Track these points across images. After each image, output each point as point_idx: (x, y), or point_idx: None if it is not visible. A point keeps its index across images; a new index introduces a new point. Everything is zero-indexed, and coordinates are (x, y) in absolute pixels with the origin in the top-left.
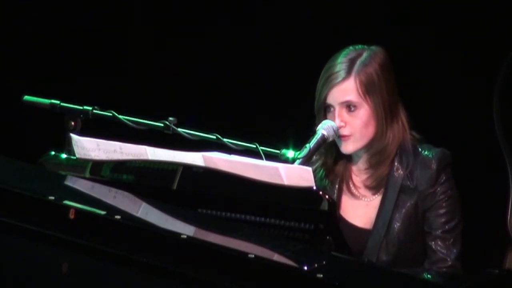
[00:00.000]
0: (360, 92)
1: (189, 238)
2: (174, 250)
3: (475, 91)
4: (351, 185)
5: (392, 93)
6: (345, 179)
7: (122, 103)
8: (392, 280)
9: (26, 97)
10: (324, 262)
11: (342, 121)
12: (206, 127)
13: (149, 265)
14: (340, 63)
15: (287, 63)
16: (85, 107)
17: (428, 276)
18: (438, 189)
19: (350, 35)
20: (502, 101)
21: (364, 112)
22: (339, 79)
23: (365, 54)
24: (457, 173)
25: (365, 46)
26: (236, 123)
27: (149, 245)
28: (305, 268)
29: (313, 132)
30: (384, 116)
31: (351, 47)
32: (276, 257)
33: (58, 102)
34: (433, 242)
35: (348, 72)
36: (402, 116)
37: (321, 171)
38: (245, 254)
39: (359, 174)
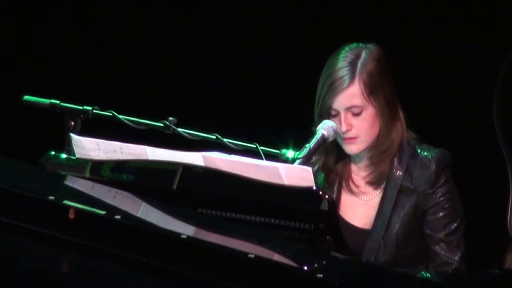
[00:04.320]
0: (365, 95)
1: (189, 238)
2: (174, 250)
3: (475, 90)
4: (351, 184)
5: (392, 89)
6: (344, 178)
7: (122, 103)
8: (392, 280)
9: (26, 97)
10: (324, 262)
11: (348, 125)
12: (206, 127)
13: (149, 265)
14: (342, 68)
15: (287, 63)
16: (85, 107)
17: (428, 275)
18: (438, 191)
19: (348, 33)
20: (502, 101)
21: (369, 113)
22: (344, 85)
23: (363, 54)
24: (457, 173)
25: (361, 45)
26: (236, 123)
27: (149, 245)
28: (305, 268)
29: (313, 132)
30: (388, 113)
31: (347, 48)
32: (276, 257)
33: (58, 102)
34: (436, 246)
35: (352, 77)
36: (401, 113)
37: (321, 169)
38: (245, 254)
39: (359, 172)
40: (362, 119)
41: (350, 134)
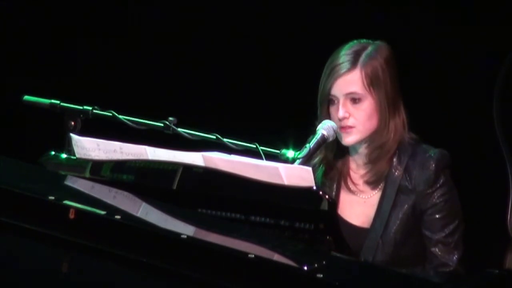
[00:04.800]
0: (365, 84)
1: (189, 238)
2: (174, 250)
3: (475, 91)
4: (349, 182)
5: (395, 88)
6: (343, 176)
7: (122, 103)
8: (392, 280)
9: (26, 97)
10: (324, 262)
11: (346, 112)
12: (206, 127)
13: (149, 265)
14: (345, 54)
15: (287, 63)
16: (85, 107)
17: (428, 275)
18: (436, 191)
19: (350, 34)
20: (502, 101)
21: (368, 104)
22: (344, 69)
23: (370, 48)
24: (457, 173)
25: (371, 41)
26: (236, 123)
27: (149, 245)
28: (305, 268)
29: (313, 132)
30: (387, 109)
31: (355, 41)
32: (276, 257)
33: (58, 102)
34: (434, 248)
35: (354, 64)
36: (403, 113)
37: (321, 166)
38: (245, 254)
39: (358, 169)
40: (360, 109)
41: (347, 122)
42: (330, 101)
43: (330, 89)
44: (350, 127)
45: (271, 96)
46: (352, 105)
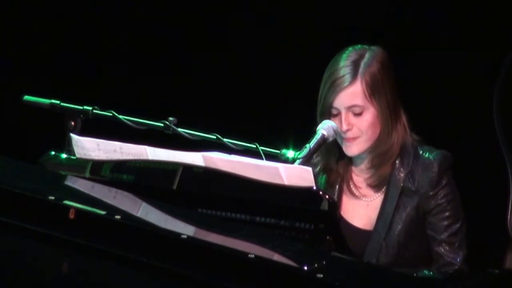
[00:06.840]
0: (367, 95)
1: (189, 238)
2: (174, 250)
3: (475, 91)
4: (351, 185)
5: (394, 92)
6: (345, 179)
7: (122, 103)
8: (392, 280)
9: (26, 97)
10: (324, 262)
11: (349, 124)
12: (206, 127)
13: (149, 265)
14: (344, 66)
15: (287, 63)
16: (85, 107)
17: (429, 274)
18: (440, 192)
19: (349, 35)
20: (502, 101)
21: (370, 114)
22: (346, 83)
23: (367, 55)
24: (458, 173)
25: (365, 46)
26: (236, 123)
27: (149, 245)
28: (305, 268)
29: (313, 132)
30: (389, 116)
31: (351, 48)
32: (276, 257)
33: (58, 102)
34: (439, 247)
35: (354, 76)
36: (403, 116)
37: (323, 171)
38: (245, 254)
39: (360, 173)
40: (362, 119)
41: (350, 134)
42: (331, 112)
43: (332, 102)
44: (354, 138)
45: (271, 96)
46: (354, 117)
